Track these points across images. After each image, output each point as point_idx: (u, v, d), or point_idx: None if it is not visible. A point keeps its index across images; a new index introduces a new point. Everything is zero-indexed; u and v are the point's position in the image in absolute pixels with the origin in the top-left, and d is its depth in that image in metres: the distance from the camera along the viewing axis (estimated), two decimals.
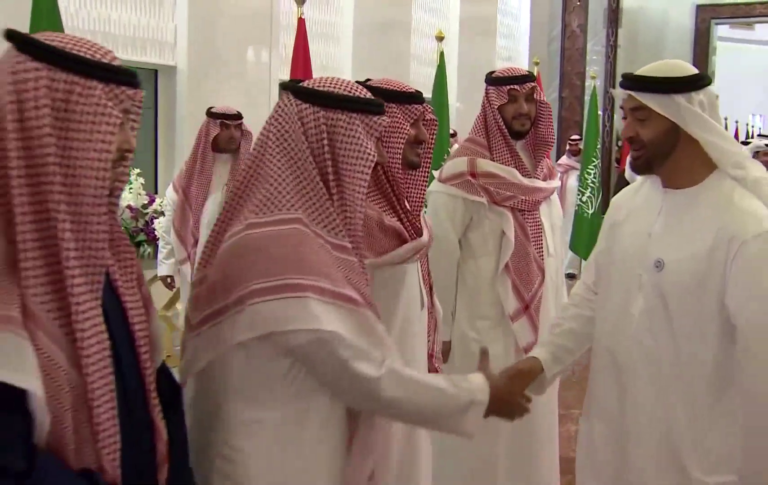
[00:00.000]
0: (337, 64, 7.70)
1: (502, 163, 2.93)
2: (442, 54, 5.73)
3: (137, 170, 5.13)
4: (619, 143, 10.88)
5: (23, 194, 1.22)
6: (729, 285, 1.81)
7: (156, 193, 5.69)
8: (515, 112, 2.94)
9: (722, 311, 1.84)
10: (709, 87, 1.92)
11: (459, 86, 9.17)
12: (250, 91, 6.33)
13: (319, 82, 1.67)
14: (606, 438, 2.04)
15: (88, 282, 1.27)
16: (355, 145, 1.62)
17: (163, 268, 4.64)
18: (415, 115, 2.24)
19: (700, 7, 12.95)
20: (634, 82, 1.92)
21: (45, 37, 1.28)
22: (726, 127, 8.49)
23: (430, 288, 2.49)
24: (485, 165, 2.93)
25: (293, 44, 4.39)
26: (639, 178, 2.13)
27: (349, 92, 1.67)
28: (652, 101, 1.88)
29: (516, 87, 2.94)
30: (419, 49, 8.90)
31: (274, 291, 1.50)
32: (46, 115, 1.22)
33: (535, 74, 3.48)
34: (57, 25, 3.33)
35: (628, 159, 2.25)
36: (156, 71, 6.14)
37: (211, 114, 4.32)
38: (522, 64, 11.02)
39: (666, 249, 1.91)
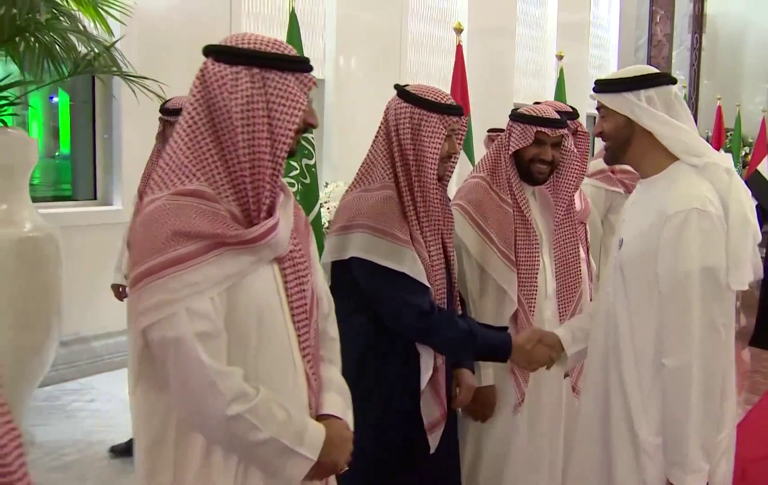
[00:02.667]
0: (443, 75, 8.47)
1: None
2: (562, 70, 6.44)
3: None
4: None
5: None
6: (658, 258, 1.96)
7: None
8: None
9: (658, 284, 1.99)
10: (662, 86, 2.07)
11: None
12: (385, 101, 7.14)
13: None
14: (594, 407, 2.18)
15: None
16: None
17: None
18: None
19: None
20: (596, 86, 2.16)
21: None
22: None
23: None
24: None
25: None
26: None
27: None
28: (605, 99, 2.11)
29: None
30: (520, 59, 9.62)
31: None
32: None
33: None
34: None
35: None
36: None
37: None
38: (611, 73, 11.64)
39: (626, 230, 2.13)
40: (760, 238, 2.05)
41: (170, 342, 1.49)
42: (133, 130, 5.30)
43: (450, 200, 2.52)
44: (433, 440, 2.30)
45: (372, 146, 2.35)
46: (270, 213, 1.62)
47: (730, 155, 2.17)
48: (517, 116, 2.69)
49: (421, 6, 8.05)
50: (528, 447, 2.71)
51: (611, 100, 2.09)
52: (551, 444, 2.77)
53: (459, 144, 2.37)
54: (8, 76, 4.10)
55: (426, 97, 2.25)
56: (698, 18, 13.01)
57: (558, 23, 10.25)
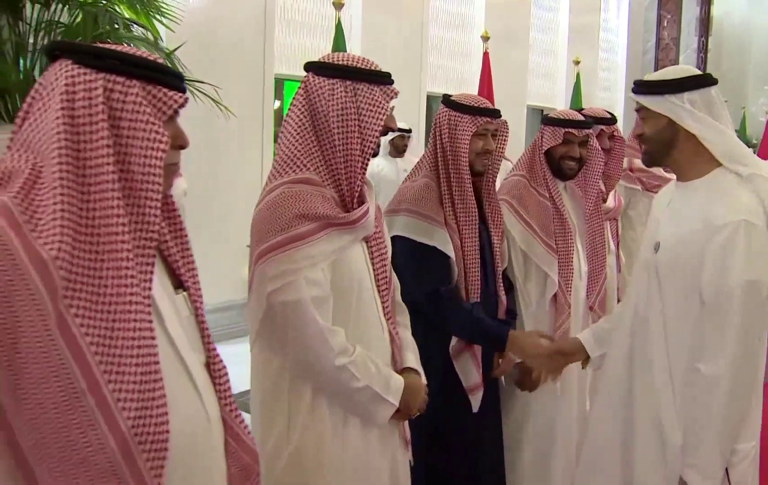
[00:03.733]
0: (469, 77, 8.81)
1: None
2: (578, 74, 6.77)
3: None
4: None
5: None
6: (703, 266, 1.92)
7: None
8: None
9: (700, 292, 1.95)
10: (704, 88, 2.04)
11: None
12: (408, 102, 7.50)
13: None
14: (617, 402, 2.20)
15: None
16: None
17: None
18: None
19: None
20: (636, 87, 2.12)
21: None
22: None
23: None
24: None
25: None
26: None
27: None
28: (647, 101, 2.07)
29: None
30: (533, 63, 9.95)
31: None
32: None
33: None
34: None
35: None
36: None
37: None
38: (620, 75, 11.99)
39: (663, 233, 2.08)
40: None
41: (291, 305, 1.83)
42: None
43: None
44: (475, 401, 2.62)
45: (426, 147, 2.73)
46: (361, 200, 1.97)
47: (764, 162, 2.12)
48: (547, 120, 3.02)
49: (441, 13, 8.39)
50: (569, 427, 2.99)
51: (653, 102, 2.06)
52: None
53: (502, 143, 2.71)
54: None
55: (460, 101, 2.61)
56: (704, 21, 13.27)
57: (570, 27, 10.58)
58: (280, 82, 6.93)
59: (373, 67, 1.96)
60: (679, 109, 2.01)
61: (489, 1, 8.82)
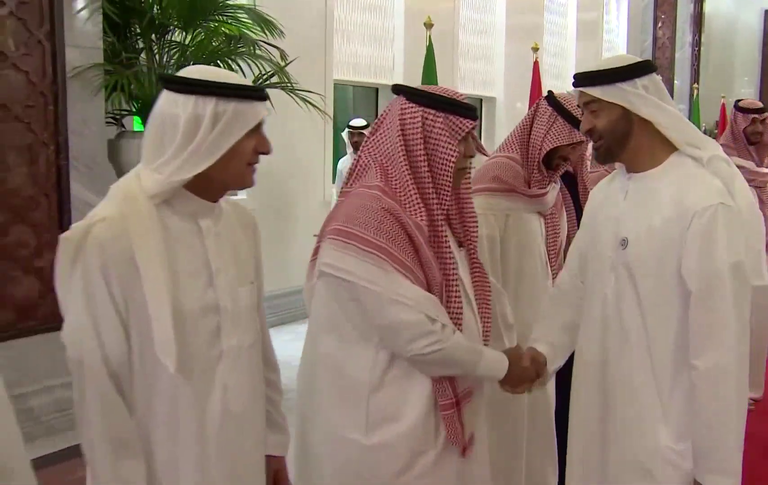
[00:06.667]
0: (490, 79, 9.64)
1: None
2: None
3: None
4: None
5: None
6: (684, 255, 1.84)
7: None
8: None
9: (680, 283, 1.85)
10: (651, 74, 1.95)
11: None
12: None
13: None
14: (590, 415, 2.07)
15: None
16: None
17: None
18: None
19: None
20: (582, 79, 1.98)
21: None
22: None
23: None
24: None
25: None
26: (616, 168, 2.17)
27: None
28: (600, 92, 1.93)
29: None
30: (547, 64, 10.79)
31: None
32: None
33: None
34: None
35: None
36: (377, 90, 8.17)
37: None
38: None
39: (629, 227, 1.95)
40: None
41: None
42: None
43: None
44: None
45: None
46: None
47: (717, 144, 2.05)
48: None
49: (469, 20, 9.22)
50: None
51: (606, 93, 1.94)
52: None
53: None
54: None
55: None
56: (697, 18, 14.07)
57: (577, 29, 11.47)
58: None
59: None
60: (633, 96, 1.92)
61: (509, 7, 9.65)
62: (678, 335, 1.87)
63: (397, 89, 2.00)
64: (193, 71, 1.65)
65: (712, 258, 1.81)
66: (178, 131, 1.56)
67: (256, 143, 1.67)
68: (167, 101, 1.60)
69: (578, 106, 2.08)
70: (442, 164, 1.90)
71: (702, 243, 1.81)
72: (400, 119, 1.91)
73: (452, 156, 1.90)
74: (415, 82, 8.00)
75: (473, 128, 1.96)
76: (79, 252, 1.53)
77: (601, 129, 1.97)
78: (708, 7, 14.49)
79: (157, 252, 1.54)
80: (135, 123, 5.05)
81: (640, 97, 1.92)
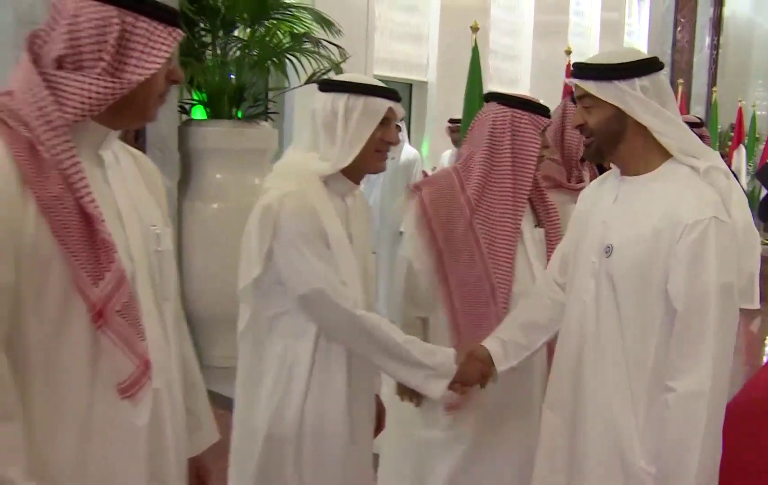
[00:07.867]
0: (517, 77, 9.97)
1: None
2: None
3: None
4: None
5: None
6: (671, 272, 1.75)
7: None
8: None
9: (666, 299, 1.76)
10: (655, 73, 1.84)
11: None
12: None
13: None
14: (560, 426, 1.98)
15: None
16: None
17: None
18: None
19: None
20: (578, 71, 1.89)
21: None
22: None
23: None
24: None
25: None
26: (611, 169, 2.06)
27: None
28: (593, 88, 1.83)
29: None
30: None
31: None
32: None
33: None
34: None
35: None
36: (411, 86, 8.52)
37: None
38: None
39: (616, 233, 1.86)
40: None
41: None
42: None
43: None
44: None
45: None
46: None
47: (718, 154, 1.97)
48: None
49: (498, 20, 9.55)
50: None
51: (600, 89, 1.83)
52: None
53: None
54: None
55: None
56: (716, 21, 14.27)
57: (600, 30, 11.77)
58: None
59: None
60: (629, 97, 1.81)
61: (537, 6, 9.96)
62: (658, 353, 1.79)
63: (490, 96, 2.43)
64: (343, 77, 2.09)
65: (700, 279, 1.73)
66: (337, 124, 1.95)
67: (382, 134, 2.02)
68: (323, 100, 1.99)
69: (572, 99, 2.11)
70: (527, 155, 2.33)
71: (691, 261, 1.73)
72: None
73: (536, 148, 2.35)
74: (449, 79, 8.32)
75: (548, 125, 2.44)
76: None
77: (592, 126, 1.88)
78: (726, 11, 14.65)
79: (334, 222, 1.95)
80: (199, 111, 5.38)
81: (637, 99, 1.81)
